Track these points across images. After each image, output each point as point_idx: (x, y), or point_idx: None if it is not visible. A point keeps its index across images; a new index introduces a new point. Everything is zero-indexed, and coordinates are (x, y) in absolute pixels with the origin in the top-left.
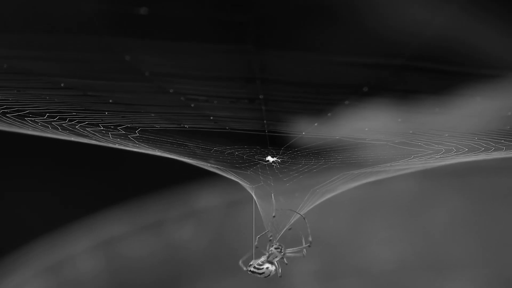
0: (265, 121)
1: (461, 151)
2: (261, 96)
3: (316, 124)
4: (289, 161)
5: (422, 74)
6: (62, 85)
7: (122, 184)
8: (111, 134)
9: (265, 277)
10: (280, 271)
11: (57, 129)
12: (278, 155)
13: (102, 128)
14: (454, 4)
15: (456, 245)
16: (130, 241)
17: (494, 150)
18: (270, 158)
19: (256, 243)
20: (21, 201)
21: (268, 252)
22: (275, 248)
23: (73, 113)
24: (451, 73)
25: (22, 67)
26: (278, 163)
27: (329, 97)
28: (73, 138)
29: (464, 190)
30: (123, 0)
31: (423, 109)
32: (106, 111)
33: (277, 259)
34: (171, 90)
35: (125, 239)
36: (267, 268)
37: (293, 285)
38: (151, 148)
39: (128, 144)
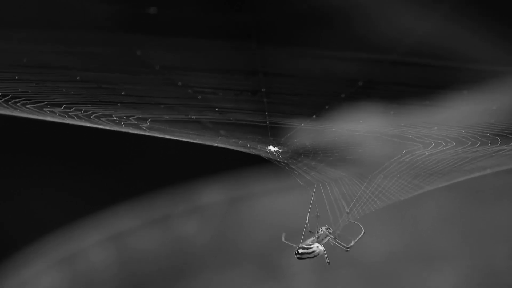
0: (266, 113)
1: (449, 145)
2: (263, 89)
3: (314, 116)
4: (289, 151)
5: (413, 69)
6: (78, 78)
7: (131, 181)
8: (123, 123)
9: (314, 257)
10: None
11: (74, 118)
12: (279, 145)
13: (115, 118)
14: (445, 6)
15: (443, 238)
16: (139, 234)
17: (480, 145)
18: (271, 148)
19: (307, 222)
20: (37, 197)
21: (318, 233)
22: (326, 229)
23: (88, 104)
24: (441, 68)
25: (40, 62)
26: (279, 152)
27: (326, 91)
28: (89, 124)
29: (451, 186)
30: (135, 1)
31: (414, 102)
32: (119, 102)
33: (325, 240)
34: (179, 83)
35: (134, 232)
36: (317, 247)
37: (292, 275)
38: (161, 135)
39: (140, 131)
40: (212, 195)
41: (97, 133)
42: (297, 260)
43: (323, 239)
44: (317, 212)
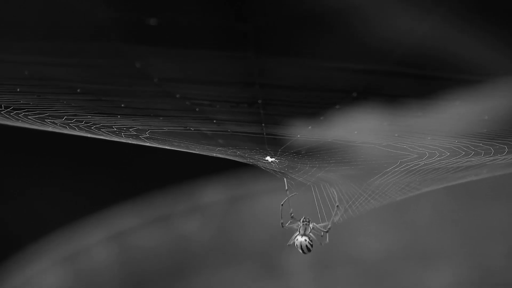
0: (263, 124)
1: (443, 155)
2: (259, 101)
3: (310, 127)
4: (286, 162)
5: (406, 80)
6: (78, 90)
7: (133, 181)
8: (124, 134)
9: (305, 249)
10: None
11: (75, 129)
12: (275, 156)
13: (115, 129)
14: (436, 16)
15: (439, 237)
16: (140, 233)
17: (474, 155)
18: (269, 158)
19: (282, 220)
20: (40, 197)
21: (298, 227)
22: (302, 222)
23: (89, 116)
24: (433, 78)
25: (42, 74)
26: (276, 163)
27: (321, 102)
28: (90, 135)
29: (447, 187)
30: (134, 12)
31: (407, 113)
32: (119, 114)
33: (308, 231)
34: (177, 95)
35: (135, 231)
36: (296, 239)
37: (291, 273)
38: (161, 145)
39: (140, 142)
40: (212, 195)
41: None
42: (296, 258)
43: (305, 231)
44: (291, 212)
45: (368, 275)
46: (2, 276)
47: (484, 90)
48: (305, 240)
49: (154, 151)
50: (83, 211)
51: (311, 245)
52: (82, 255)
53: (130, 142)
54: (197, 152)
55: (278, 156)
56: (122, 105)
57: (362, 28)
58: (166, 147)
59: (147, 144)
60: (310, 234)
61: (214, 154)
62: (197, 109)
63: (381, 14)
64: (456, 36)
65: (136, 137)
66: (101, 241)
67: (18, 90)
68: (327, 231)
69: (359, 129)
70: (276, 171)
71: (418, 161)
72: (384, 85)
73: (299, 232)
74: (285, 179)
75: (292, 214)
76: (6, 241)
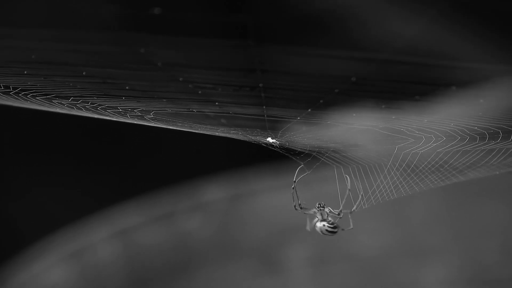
0: (264, 107)
1: (440, 140)
2: (260, 85)
3: (309, 109)
4: (286, 143)
5: (403, 67)
6: (84, 73)
7: (136, 180)
8: (129, 115)
9: (327, 232)
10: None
11: (81, 109)
12: (276, 137)
13: (120, 110)
14: (433, 10)
15: (433, 234)
16: (144, 230)
17: (469, 140)
18: (270, 139)
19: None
20: (47, 195)
21: (315, 214)
22: (317, 208)
23: (94, 97)
24: (430, 65)
25: (48, 58)
26: (277, 144)
27: (320, 86)
28: (96, 116)
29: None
30: (140, 2)
31: (404, 97)
32: (124, 96)
33: (325, 216)
34: (180, 79)
35: (139, 228)
36: (316, 226)
37: (290, 269)
38: (164, 125)
39: (145, 122)
40: (214, 193)
41: (104, 135)
42: (295, 255)
43: (322, 216)
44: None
45: (365, 271)
46: (9, 273)
47: (479, 78)
48: (324, 225)
49: (157, 151)
50: (88, 209)
51: (334, 227)
52: (87, 252)
53: (135, 122)
54: (200, 132)
55: (279, 138)
56: (127, 87)
57: (362, 18)
58: (170, 127)
59: (152, 124)
60: (329, 218)
61: (217, 134)
62: (199, 92)
63: (382, 7)
64: (452, 29)
65: (141, 117)
66: (106, 238)
67: (25, 72)
68: (338, 215)
69: (358, 112)
70: (278, 147)
71: (415, 148)
72: (383, 71)
73: (317, 218)
74: (301, 164)
75: (300, 204)
76: (15, 238)
